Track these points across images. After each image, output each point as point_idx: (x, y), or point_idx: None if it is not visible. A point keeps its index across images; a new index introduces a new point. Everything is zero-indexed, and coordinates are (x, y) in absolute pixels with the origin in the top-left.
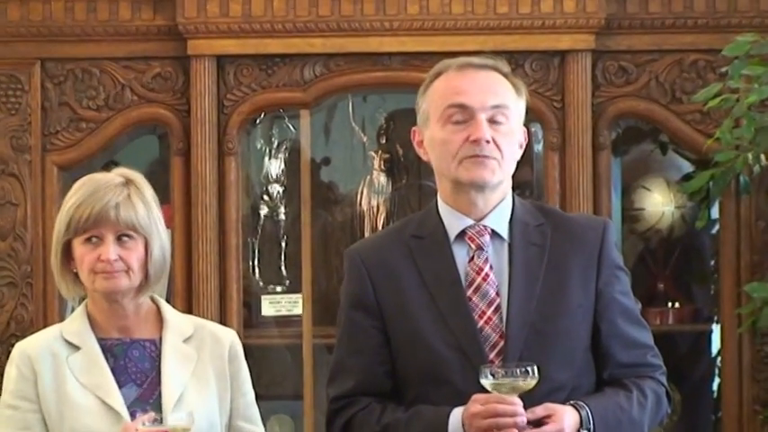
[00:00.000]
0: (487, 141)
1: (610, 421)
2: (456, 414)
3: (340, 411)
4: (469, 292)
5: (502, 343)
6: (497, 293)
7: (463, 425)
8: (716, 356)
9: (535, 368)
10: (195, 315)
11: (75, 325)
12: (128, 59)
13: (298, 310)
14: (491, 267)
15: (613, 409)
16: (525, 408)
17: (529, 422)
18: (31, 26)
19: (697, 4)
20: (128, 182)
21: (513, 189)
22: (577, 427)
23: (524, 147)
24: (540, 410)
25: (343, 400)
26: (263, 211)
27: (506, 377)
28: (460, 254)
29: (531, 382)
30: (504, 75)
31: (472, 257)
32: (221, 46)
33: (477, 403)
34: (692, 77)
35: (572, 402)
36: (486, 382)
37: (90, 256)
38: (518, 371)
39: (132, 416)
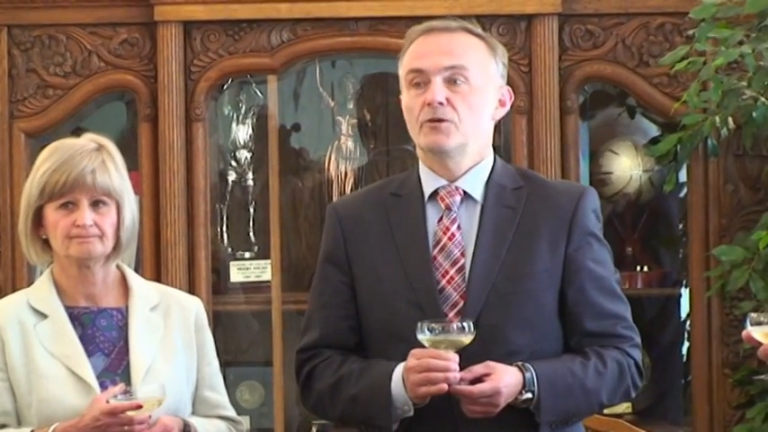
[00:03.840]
0: (441, 103)
1: (558, 386)
2: (399, 369)
3: (305, 362)
4: (435, 252)
5: (462, 303)
6: (462, 254)
7: (403, 380)
8: (685, 320)
9: (471, 324)
10: (164, 282)
11: (41, 292)
12: (94, 26)
13: (267, 277)
14: (459, 228)
15: (563, 374)
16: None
17: (466, 380)
18: None
19: None
20: (100, 147)
21: (502, 153)
22: (519, 389)
23: (508, 105)
24: (479, 368)
25: (309, 352)
26: (232, 177)
27: (441, 333)
28: (432, 214)
29: (467, 338)
30: (476, 35)
31: (441, 217)
32: (188, 12)
33: (413, 358)
34: (659, 41)
35: (518, 363)
36: (423, 337)
37: (65, 222)
38: (454, 326)
39: (102, 387)
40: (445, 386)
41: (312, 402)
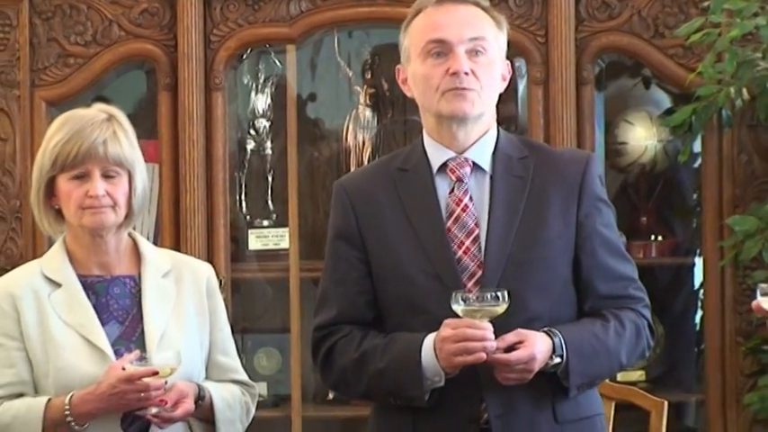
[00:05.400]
0: (466, 73)
1: (584, 349)
2: (429, 339)
3: (323, 339)
4: (449, 224)
5: (480, 273)
6: (476, 224)
7: (435, 349)
8: (698, 289)
9: (506, 294)
10: (183, 250)
11: (54, 262)
12: None
13: (285, 244)
14: (471, 199)
15: (588, 337)
16: (498, 336)
17: (501, 348)
18: None
19: None
20: (110, 118)
21: (499, 123)
22: (549, 354)
23: (508, 80)
24: (511, 337)
25: (326, 329)
26: (250, 145)
27: (477, 302)
28: (442, 186)
29: (501, 308)
30: (484, 9)
31: (452, 189)
32: None
33: (448, 328)
34: (675, 12)
35: (545, 329)
36: (458, 307)
37: (77, 192)
38: (488, 296)
39: (117, 354)
40: (483, 355)
41: (334, 379)
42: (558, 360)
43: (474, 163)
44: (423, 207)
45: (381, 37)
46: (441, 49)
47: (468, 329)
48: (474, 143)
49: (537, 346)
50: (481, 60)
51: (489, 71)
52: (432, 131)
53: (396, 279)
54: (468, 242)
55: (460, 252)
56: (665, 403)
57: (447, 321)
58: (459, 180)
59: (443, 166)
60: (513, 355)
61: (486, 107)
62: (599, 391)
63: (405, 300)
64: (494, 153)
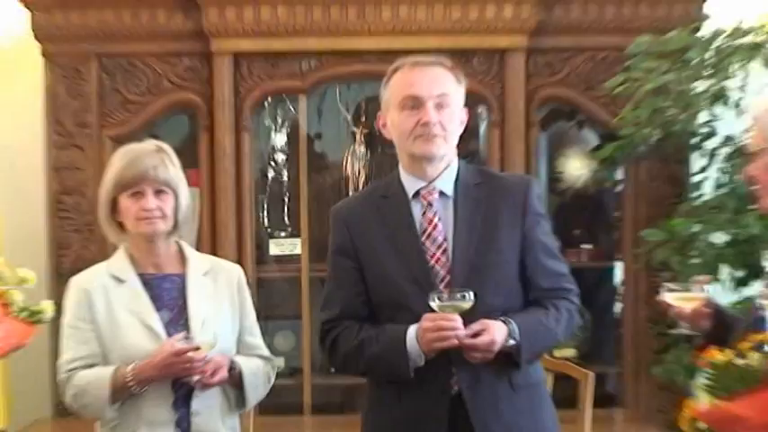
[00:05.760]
0: (434, 123)
1: (531, 332)
2: (411, 330)
3: (329, 332)
4: (423, 239)
5: (448, 277)
6: (444, 239)
7: (417, 337)
8: (618, 286)
9: (471, 293)
10: (218, 254)
11: (118, 263)
12: (164, 55)
13: (297, 251)
14: (439, 219)
15: (534, 322)
16: (465, 325)
17: (468, 335)
18: (89, 29)
19: (607, 12)
20: (159, 149)
21: (466, 157)
22: (506, 337)
23: (465, 123)
24: (476, 326)
25: (331, 324)
26: (270, 174)
27: (448, 300)
28: (416, 209)
29: (468, 304)
30: (448, 68)
31: (425, 212)
32: (236, 45)
33: (427, 320)
34: (603, 69)
35: (502, 318)
36: (434, 304)
37: (134, 207)
38: (458, 295)
39: (168, 335)
40: (455, 341)
41: (338, 362)
42: (512, 342)
43: (441, 191)
44: (402, 226)
45: (373, 89)
46: (414, 102)
47: (443, 321)
48: (440, 175)
49: (496, 333)
50: (445, 112)
51: (451, 119)
52: (406, 166)
53: (384, 283)
54: (438, 253)
55: (433, 261)
56: (592, 374)
57: (426, 315)
58: (430, 204)
59: (416, 194)
60: (479, 340)
61: (449, 147)
62: (542, 365)
63: (391, 299)
64: (455, 181)
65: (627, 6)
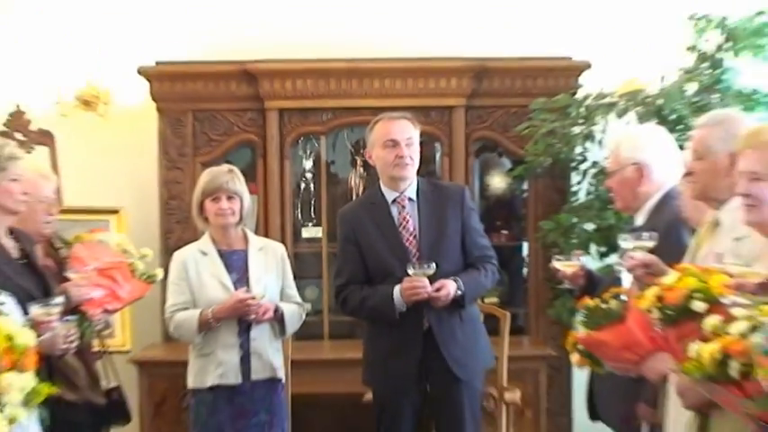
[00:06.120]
0: (406, 157)
1: (471, 284)
2: (396, 288)
3: (340, 293)
4: (400, 229)
5: (418, 254)
6: (414, 229)
7: (400, 293)
8: (525, 257)
9: (433, 264)
10: (269, 237)
11: (204, 243)
12: (234, 110)
13: (319, 235)
14: (410, 216)
15: (471, 278)
16: (430, 284)
17: (433, 290)
18: (186, 94)
19: (516, 83)
20: (231, 170)
21: (426, 176)
22: (456, 290)
23: (421, 154)
24: (437, 284)
25: (341, 287)
26: (302, 186)
27: (419, 269)
28: (394, 210)
29: (431, 271)
30: (411, 121)
31: (400, 212)
32: (281, 104)
33: (406, 282)
34: (514, 119)
35: (453, 278)
36: (410, 271)
37: (215, 207)
38: (425, 265)
39: (235, 288)
40: (425, 295)
41: (348, 312)
42: (459, 292)
43: (409, 197)
44: (386, 222)
45: None
46: (393, 143)
47: (417, 283)
48: (407, 188)
49: (450, 288)
50: (411, 149)
51: (415, 154)
52: (386, 183)
53: (376, 260)
54: (411, 238)
55: (407, 244)
56: (508, 314)
57: (405, 279)
58: (403, 206)
59: (394, 200)
60: (440, 293)
61: (414, 171)
62: (477, 308)
63: (381, 270)
64: (417, 191)
65: (529, 79)
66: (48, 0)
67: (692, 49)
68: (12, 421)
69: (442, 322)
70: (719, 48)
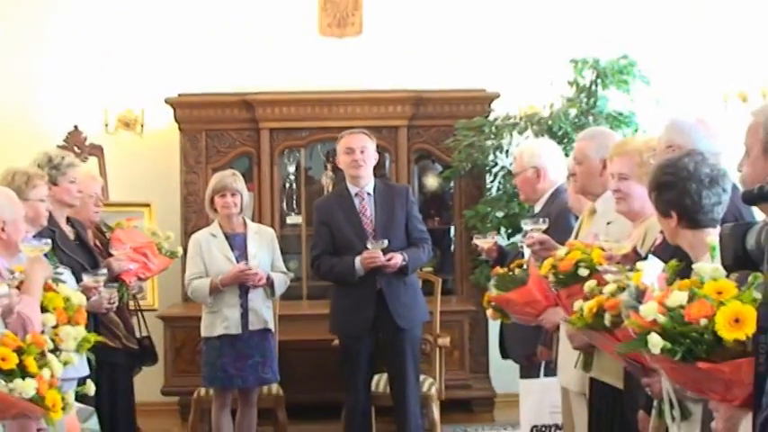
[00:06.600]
0: (360, 160)
1: (412, 258)
2: (357, 259)
3: (315, 261)
4: (361, 216)
5: (374, 234)
6: (371, 215)
7: (360, 262)
8: (452, 237)
9: (386, 241)
10: (262, 223)
11: (214, 228)
12: (236, 129)
13: (300, 221)
14: (368, 205)
15: (413, 253)
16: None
17: (385, 260)
18: (201, 118)
19: (444, 108)
20: (234, 173)
21: (381, 177)
22: (401, 260)
23: (377, 160)
24: (388, 256)
25: (316, 257)
26: (287, 185)
27: (376, 244)
28: (356, 201)
29: (384, 245)
30: (367, 135)
31: (361, 202)
32: (271, 125)
33: (365, 254)
34: (444, 135)
35: (400, 252)
36: (369, 245)
37: (222, 201)
38: (379, 243)
39: (237, 262)
40: (379, 263)
41: (321, 275)
42: (404, 263)
43: (367, 192)
44: (350, 210)
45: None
46: (350, 151)
47: (374, 253)
48: (366, 185)
49: (398, 259)
50: (365, 155)
51: (368, 159)
52: (349, 181)
53: (342, 237)
54: (368, 222)
55: (365, 226)
56: (440, 279)
57: (365, 251)
58: (363, 199)
59: (356, 194)
60: (390, 263)
61: (367, 171)
62: (417, 275)
63: (346, 245)
64: (373, 188)
65: (454, 106)
66: (96, 41)
67: (572, 83)
68: (66, 363)
69: (391, 285)
70: (593, 82)
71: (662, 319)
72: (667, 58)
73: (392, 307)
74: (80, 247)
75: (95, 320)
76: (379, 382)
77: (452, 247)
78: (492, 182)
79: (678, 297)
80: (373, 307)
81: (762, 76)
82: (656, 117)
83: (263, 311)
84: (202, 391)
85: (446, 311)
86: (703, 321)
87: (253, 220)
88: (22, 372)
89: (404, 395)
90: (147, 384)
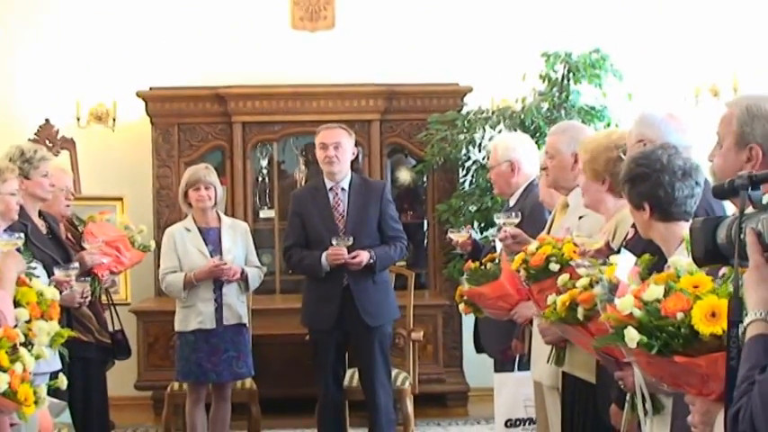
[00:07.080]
0: (333, 156)
1: (382, 256)
2: (324, 254)
3: (287, 251)
4: (333, 211)
5: (345, 230)
6: (343, 210)
7: (326, 258)
8: (425, 232)
9: (351, 238)
10: (236, 217)
11: (188, 222)
12: (209, 123)
13: (273, 215)
14: (341, 201)
15: (384, 252)
16: (349, 253)
17: (350, 257)
18: (173, 111)
19: (417, 103)
20: (207, 167)
21: (357, 171)
22: (369, 258)
23: (355, 155)
24: (353, 254)
25: (288, 249)
26: (260, 179)
27: (341, 241)
28: (330, 196)
29: (349, 243)
30: (344, 129)
31: (335, 197)
32: (244, 118)
33: (330, 250)
34: (417, 129)
35: (368, 249)
36: (334, 242)
37: (195, 195)
38: (343, 239)
39: (211, 257)
40: (343, 260)
41: (291, 267)
42: (372, 261)
43: (342, 187)
44: (323, 204)
45: (308, 139)
46: (323, 146)
47: (338, 250)
48: (341, 180)
49: (363, 257)
50: (339, 150)
51: (342, 155)
52: (324, 175)
53: (313, 231)
54: (340, 217)
55: (337, 222)
56: (413, 273)
57: (330, 248)
58: (337, 194)
59: (331, 188)
60: (356, 260)
61: (342, 167)
62: (389, 272)
63: (316, 238)
64: (349, 183)
65: (426, 100)
66: (68, 35)
67: (545, 77)
68: (38, 357)
69: (358, 282)
70: (565, 77)
71: (638, 312)
72: (639, 53)
73: (359, 304)
74: (53, 241)
75: (68, 314)
76: (353, 376)
77: (425, 242)
78: (465, 176)
79: (655, 291)
80: (338, 303)
81: (732, 70)
82: (629, 111)
83: (238, 306)
84: (176, 385)
85: (419, 305)
86: (680, 315)
87: (226, 214)
88: None
89: (373, 390)
90: (121, 379)
